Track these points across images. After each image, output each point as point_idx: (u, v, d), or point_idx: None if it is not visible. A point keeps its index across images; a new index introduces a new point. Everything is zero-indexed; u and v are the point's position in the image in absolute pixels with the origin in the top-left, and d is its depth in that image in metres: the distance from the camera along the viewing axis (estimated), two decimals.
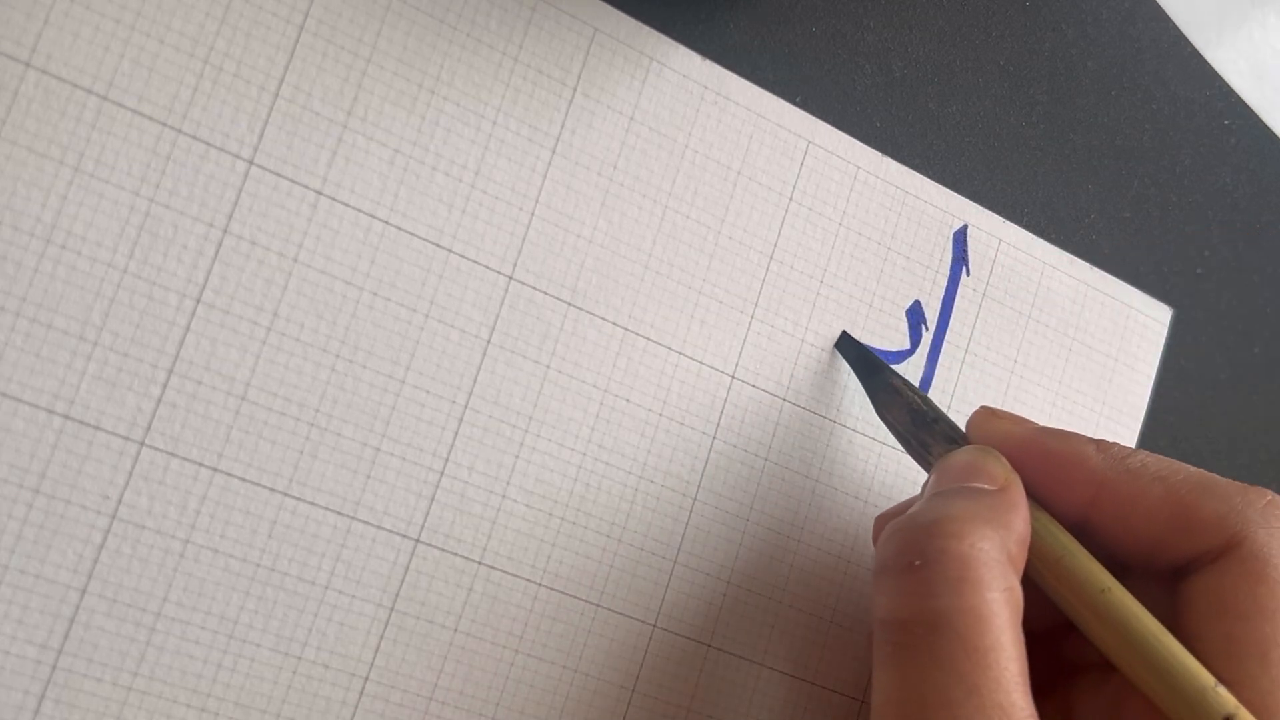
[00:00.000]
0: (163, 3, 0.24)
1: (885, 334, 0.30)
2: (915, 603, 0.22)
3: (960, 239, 0.31)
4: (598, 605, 0.27)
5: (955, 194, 0.31)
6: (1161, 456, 0.25)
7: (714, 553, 0.28)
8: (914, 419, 0.27)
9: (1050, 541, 0.24)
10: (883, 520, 0.28)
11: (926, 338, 0.31)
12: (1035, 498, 0.25)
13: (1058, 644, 0.27)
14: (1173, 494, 0.24)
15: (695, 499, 0.28)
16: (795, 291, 0.29)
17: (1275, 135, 0.36)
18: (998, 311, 0.32)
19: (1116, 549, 0.25)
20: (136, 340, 0.24)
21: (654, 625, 0.28)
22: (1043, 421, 0.32)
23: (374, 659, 0.25)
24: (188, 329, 0.24)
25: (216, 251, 0.24)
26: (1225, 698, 0.22)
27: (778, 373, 0.29)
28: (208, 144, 0.24)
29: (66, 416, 0.23)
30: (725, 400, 0.28)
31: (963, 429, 0.27)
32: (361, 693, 0.25)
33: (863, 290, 0.30)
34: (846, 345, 0.29)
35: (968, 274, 0.31)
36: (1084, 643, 0.26)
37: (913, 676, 0.22)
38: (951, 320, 0.31)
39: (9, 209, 0.23)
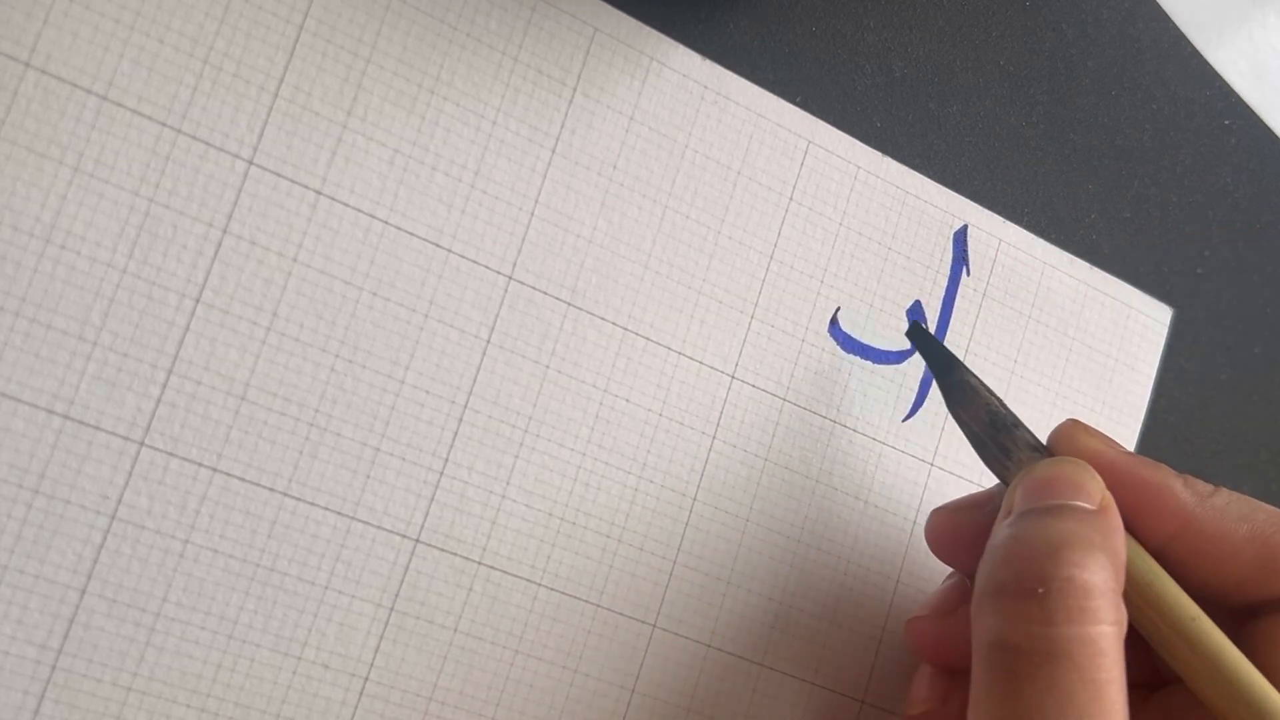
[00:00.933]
0: (163, 3, 0.24)
1: (886, 334, 0.30)
2: (1035, 629, 0.22)
3: (960, 239, 0.31)
4: (598, 605, 0.27)
5: (955, 194, 0.31)
6: (1243, 495, 0.25)
7: (714, 553, 0.28)
8: (993, 421, 0.26)
9: (1139, 564, 0.24)
10: (944, 515, 0.27)
11: None
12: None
13: None
14: (1258, 535, 0.24)
15: (695, 499, 0.28)
16: (795, 291, 0.29)
17: (1275, 135, 0.36)
18: (998, 311, 0.32)
19: (1195, 585, 0.25)
20: (136, 340, 0.24)
21: (654, 625, 0.28)
22: (1043, 422, 0.32)
23: (374, 659, 0.25)
24: (187, 329, 0.24)
25: (216, 251, 0.24)
26: None
27: (778, 373, 0.29)
28: (207, 144, 0.24)
29: (66, 416, 0.23)
30: (725, 400, 0.28)
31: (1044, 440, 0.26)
32: (361, 693, 0.25)
33: (863, 290, 0.30)
34: (918, 335, 0.29)
35: (968, 274, 0.31)
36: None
37: (1026, 703, 0.21)
38: (952, 320, 0.31)
39: (9, 209, 0.23)
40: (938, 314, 0.31)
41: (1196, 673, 0.23)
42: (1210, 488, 0.25)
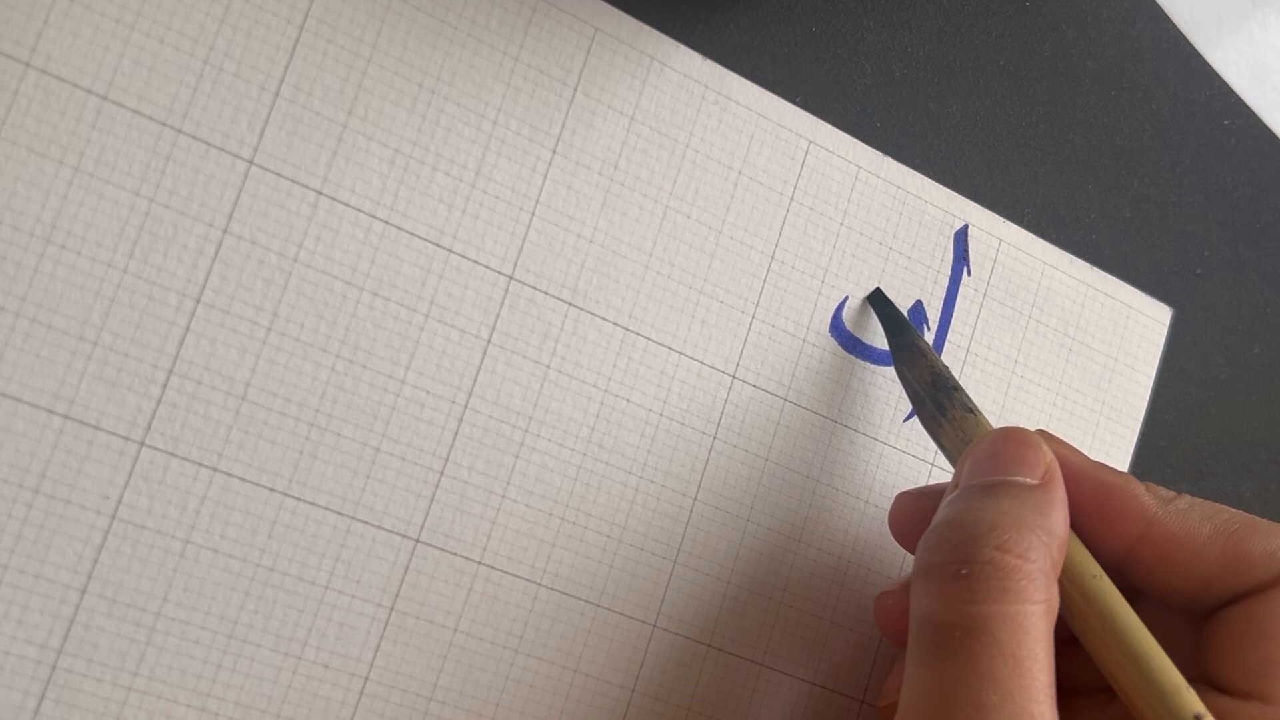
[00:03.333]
0: (163, 2, 0.24)
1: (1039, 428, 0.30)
2: (958, 607, 0.22)
3: (961, 239, 0.31)
4: (598, 605, 0.27)
5: (956, 194, 0.31)
6: (1205, 500, 0.25)
7: (714, 553, 0.28)
8: (935, 381, 0.27)
9: None
10: (905, 499, 0.28)
11: (928, 337, 0.31)
12: (1082, 530, 0.25)
13: (1059, 666, 0.27)
14: (1221, 532, 0.25)
15: (695, 499, 0.28)
16: (796, 291, 0.29)
17: (1275, 135, 0.36)
18: (999, 311, 0.32)
19: (1160, 588, 0.25)
20: (136, 340, 0.24)
21: (654, 625, 0.28)
22: (1043, 422, 0.32)
23: (374, 659, 0.25)
24: (188, 329, 0.24)
25: (216, 251, 0.24)
26: (1195, 700, 0.22)
27: (778, 373, 0.29)
28: (208, 144, 0.24)
29: (66, 416, 0.23)
30: (726, 400, 0.28)
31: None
32: (361, 693, 0.25)
33: (864, 290, 0.30)
34: (878, 301, 0.30)
35: (969, 274, 0.31)
36: (1085, 668, 0.26)
37: (948, 678, 0.22)
38: (953, 320, 0.31)
39: (9, 209, 0.23)
40: (939, 314, 0.31)
41: (1089, 626, 0.24)
42: (1172, 493, 0.25)
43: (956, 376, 0.31)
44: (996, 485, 0.24)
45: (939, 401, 0.27)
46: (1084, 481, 0.25)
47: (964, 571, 0.22)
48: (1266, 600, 0.24)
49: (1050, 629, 0.22)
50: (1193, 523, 0.25)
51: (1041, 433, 0.26)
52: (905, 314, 0.30)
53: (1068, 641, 0.26)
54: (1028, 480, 0.24)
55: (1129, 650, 0.23)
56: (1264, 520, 0.25)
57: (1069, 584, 0.24)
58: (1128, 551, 0.25)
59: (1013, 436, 0.25)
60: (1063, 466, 0.25)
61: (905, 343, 0.29)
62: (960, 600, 0.22)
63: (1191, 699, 0.22)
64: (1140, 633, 0.23)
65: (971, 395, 0.31)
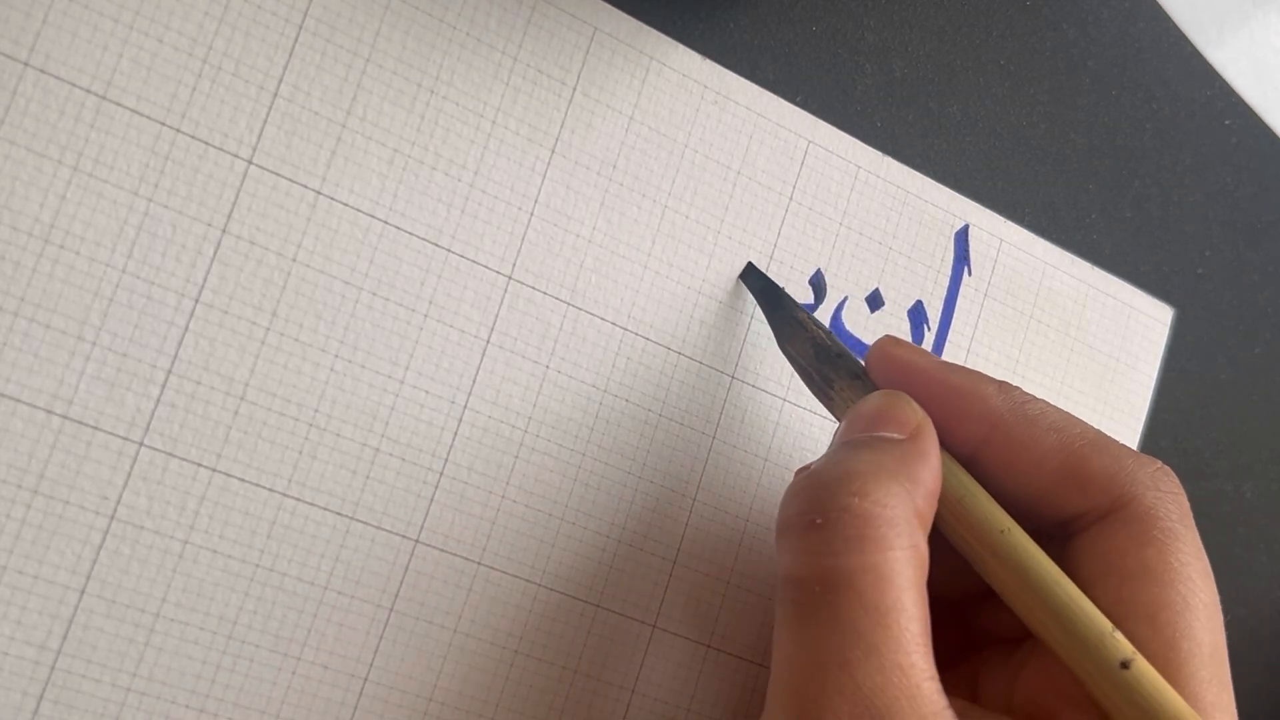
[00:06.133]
0: (162, 2, 0.24)
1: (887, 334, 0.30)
2: (815, 561, 0.21)
3: (962, 239, 0.31)
4: (597, 605, 0.27)
5: (956, 194, 0.31)
6: (1063, 410, 0.25)
7: (714, 553, 0.28)
8: (817, 353, 0.26)
9: (951, 481, 0.24)
10: (799, 475, 0.28)
11: (929, 338, 0.31)
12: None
13: (970, 615, 0.26)
14: (1065, 445, 0.24)
15: (695, 499, 0.28)
16: (795, 292, 0.29)
17: (1275, 135, 0.36)
18: (999, 311, 0.32)
19: (1003, 494, 0.24)
20: (135, 340, 0.24)
21: (654, 625, 0.28)
22: None
23: (373, 659, 0.25)
24: (186, 329, 0.24)
25: (215, 251, 0.24)
26: (1123, 643, 0.21)
27: (778, 373, 0.29)
28: (206, 143, 0.24)
29: (65, 417, 0.23)
30: (725, 400, 0.28)
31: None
32: (361, 693, 0.25)
33: (864, 290, 0.30)
34: (752, 277, 0.29)
35: (969, 274, 0.31)
36: (994, 616, 0.25)
37: (811, 635, 0.21)
38: (954, 320, 0.31)
39: (8, 209, 0.23)
40: (939, 314, 0.31)
41: (1005, 585, 0.23)
42: (1029, 396, 0.25)
43: None
44: (861, 440, 0.23)
45: (824, 373, 0.26)
46: (931, 384, 0.25)
47: (819, 521, 0.21)
48: (1109, 534, 0.23)
49: (918, 577, 0.21)
50: (1039, 430, 0.24)
51: (888, 338, 0.26)
52: (779, 285, 0.28)
53: (976, 597, 0.26)
54: (895, 435, 0.23)
55: (1046, 604, 0.22)
56: (1114, 441, 0.24)
57: (977, 544, 0.23)
58: (974, 454, 0.24)
59: (884, 396, 0.24)
60: (910, 370, 0.25)
61: (783, 317, 0.27)
62: (817, 553, 0.21)
63: (1117, 643, 0.21)
64: (1056, 584, 0.22)
65: None
